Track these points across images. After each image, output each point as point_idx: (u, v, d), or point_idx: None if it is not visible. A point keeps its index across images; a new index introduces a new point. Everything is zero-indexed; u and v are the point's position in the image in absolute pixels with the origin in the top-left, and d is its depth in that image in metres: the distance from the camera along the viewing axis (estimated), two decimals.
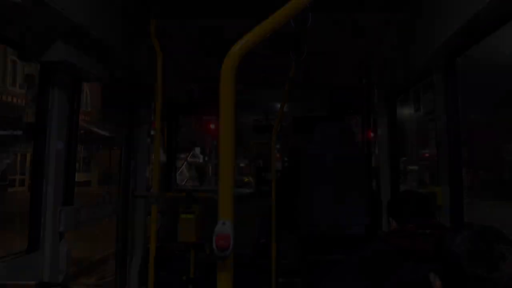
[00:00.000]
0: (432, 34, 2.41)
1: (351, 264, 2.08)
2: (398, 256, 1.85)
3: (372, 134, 4.70)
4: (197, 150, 23.06)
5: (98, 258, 8.27)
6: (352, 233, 4.02)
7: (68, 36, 2.46)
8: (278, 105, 4.11)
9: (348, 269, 2.04)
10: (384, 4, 3.07)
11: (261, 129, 6.01)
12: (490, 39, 2.10)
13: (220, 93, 1.11)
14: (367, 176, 4.16)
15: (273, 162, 4.23)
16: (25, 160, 19.69)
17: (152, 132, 4.24)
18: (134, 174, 4.22)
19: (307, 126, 5.18)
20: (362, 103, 5.31)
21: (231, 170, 1.10)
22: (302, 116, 5.70)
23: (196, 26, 4.03)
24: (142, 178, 4.25)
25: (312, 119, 5.41)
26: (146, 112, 4.23)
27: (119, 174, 4.14)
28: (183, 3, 3.51)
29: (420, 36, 2.65)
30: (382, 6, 3.08)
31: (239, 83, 4.41)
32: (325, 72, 5.28)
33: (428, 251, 1.39)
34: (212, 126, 8.82)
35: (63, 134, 2.73)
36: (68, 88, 2.76)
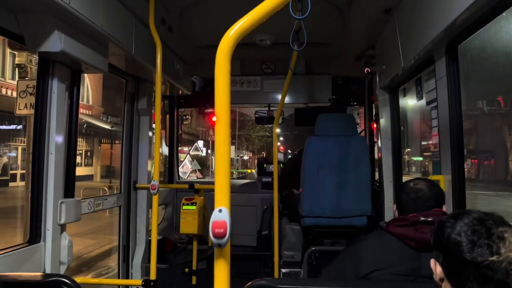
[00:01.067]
0: (433, 21, 2.37)
1: (347, 252, 2.08)
2: (395, 244, 1.84)
3: (375, 125, 4.67)
4: (200, 143, 23.11)
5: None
6: (354, 224, 4.01)
7: (66, 27, 2.45)
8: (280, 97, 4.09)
9: (343, 257, 2.04)
10: None
11: (263, 121, 5.99)
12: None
13: (215, 79, 1.09)
14: (370, 167, 4.14)
15: (275, 154, 4.23)
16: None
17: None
18: (136, 167, 4.23)
19: (309, 118, 5.16)
20: (365, 94, 5.29)
21: (227, 157, 1.09)
22: (304, 108, 5.68)
23: (196, 16, 4.01)
24: (144, 170, 4.26)
25: (314, 110, 5.38)
26: (147, 104, 4.22)
27: (121, 166, 4.15)
28: None
29: (421, 24, 2.62)
30: None
31: (242, 74, 4.39)
32: (327, 62, 5.26)
33: (429, 240, 1.37)
34: (214, 118, 8.78)
35: (63, 126, 2.73)
36: (67, 79, 2.75)
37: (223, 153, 1.07)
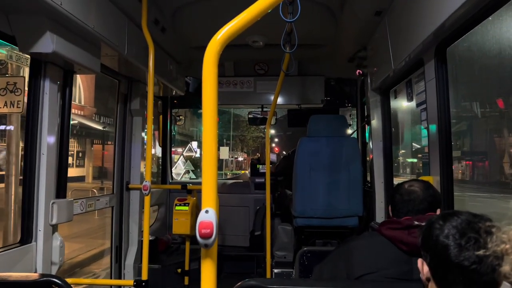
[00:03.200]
0: (422, 24, 2.41)
1: (339, 252, 2.09)
2: (387, 247, 1.85)
3: (366, 126, 4.71)
4: (194, 144, 23.02)
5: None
6: (346, 224, 4.04)
7: (58, 28, 2.45)
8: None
9: (335, 257, 2.05)
10: None
11: (257, 122, 6.01)
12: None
13: (202, 82, 1.11)
14: (362, 168, 4.17)
15: (267, 154, 4.24)
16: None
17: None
18: (129, 167, 4.23)
19: (302, 119, 5.19)
20: (357, 95, 5.32)
21: (214, 158, 1.10)
22: (297, 109, 5.70)
23: (189, 17, 4.02)
24: (137, 171, 4.26)
25: (307, 111, 5.41)
26: (140, 105, 4.22)
27: (113, 167, 4.15)
28: None
29: (411, 27, 2.65)
30: None
31: (235, 75, 4.40)
32: (320, 64, 5.29)
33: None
34: None
35: (55, 126, 2.73)
36: (59, 80, 2.75)
37: (210, 154, 1.09)
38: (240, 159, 45.66)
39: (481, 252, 1.18)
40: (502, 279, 1.17)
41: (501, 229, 1.20)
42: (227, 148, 30.73)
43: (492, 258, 1.17)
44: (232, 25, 1.15)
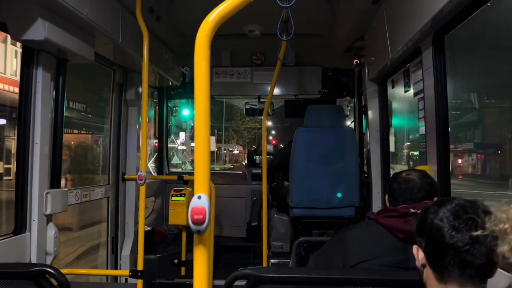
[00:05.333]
0: (419, 11, 2.38)
1: (335, 240, 2.08)
2: (384, 235, 1.84)
3: (364, 116, 4.69)
4: (181, 135, 22.80)
5: None
6: (343, 215, 4.03)
7: (50, 15, 2.41)
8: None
9: (331, 245, 2.04)
10: None
11: (253, 112, 5.98)
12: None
13: (194, 68, 1.08)
14: (358, 158, 4.16)
15: (264, 145, 4.22)
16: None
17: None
18: (124, 158, 4.21)
19: (300, 110, 5.16)
20: (354, 85, 5.29)
21: (206, 145, 1.08)
22: (294, 100, 5.67)
23: (185, 5, 3.97)
24: (133, 162, 4.24)
25: (304, 102, 5.38)
26: (136, 95, 4.19)
27: (109, 157, 4.12)
28: None
29: (409, 15, 2.62)
30: None
31: (232, 65, 4.36)
32: (317, 54, 5.25)
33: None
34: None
35: (48, 115, 2.70)
36: (52, 68, 2.71)
37: (203, 141, 1.07)
38: (236, 152, 44.61)
39: (477, 232, 1.17)
40: (499, 259, 1.16)
41: (500, 208, 1.19)
42: (213, 137, 29.75)
43: (490, 239, 1.17)
44: (225, 6, 1.13)
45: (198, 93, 1.06)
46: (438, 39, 2.44)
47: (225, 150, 40.22)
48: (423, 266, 1.31)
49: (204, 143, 1.08)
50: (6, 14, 2.34)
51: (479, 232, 1.17)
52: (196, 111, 1.07)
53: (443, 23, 2.29)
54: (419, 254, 1.32)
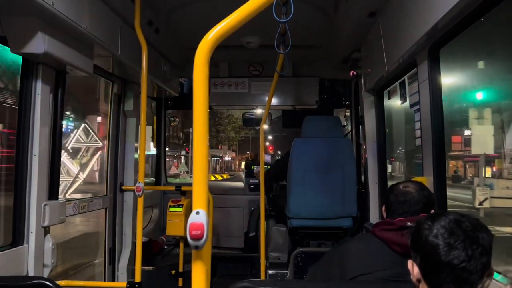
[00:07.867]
0: (415, 25, 2.41)
1: (333, 253, 2.09)
2: (381, 248, 1.84)
3: (361, 127, 4.72)
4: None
5: None
6: (340, 225, 4.04)
7: (50, 28, 2.43)
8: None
9: (329, 258, 2.05)
10: None
11: (251, 122, 6.01)
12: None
13: (193, 81, 1.10)
14: (356, 169, 4.18)
15: (261, 155, 4.24)
16: None
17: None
18: (122, 168, 4.21)
19: (297, 120, 5.19)
20: (351, 96, 5.33)
21: (205, 159, 1.09)
22: (292, 110, 5.70)
23: (184, 18, 4.00)
24: (131, 172, 4.24)
25: (301, 112, 5.41)
26: (134, 106, 4.20)
27: (107, 168, 4.13)
28: None
29: (405, 27, 2.66)
30: None
31: (230, 76, 4.39)
32: (314, 65, 5.29)
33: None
34: None
35: (47, 127, 2.71)
36: (51, 81, 2.73)
37: (201, 155, 1.08)
38: (227, 158, 40.93)
39: (473, 249, 1.19)
40: (493, 272, 1.18)
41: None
42: None
43: (480, 267, 1.19)
44: (224, 24, 1.15)
45: (198, 115, 1.07)
46: (434, 52, 2.48)
47: (214, 156, 36.77)
48: (418, 281, 1.31)
49: (203, 157, 1.09)
50: (7, 27, 2.36)
51: (474, 248, 1.18)
52: (195, 131, 1.08)
53: (439, 37, 2.33)
54: (414, 269, 1.32)
